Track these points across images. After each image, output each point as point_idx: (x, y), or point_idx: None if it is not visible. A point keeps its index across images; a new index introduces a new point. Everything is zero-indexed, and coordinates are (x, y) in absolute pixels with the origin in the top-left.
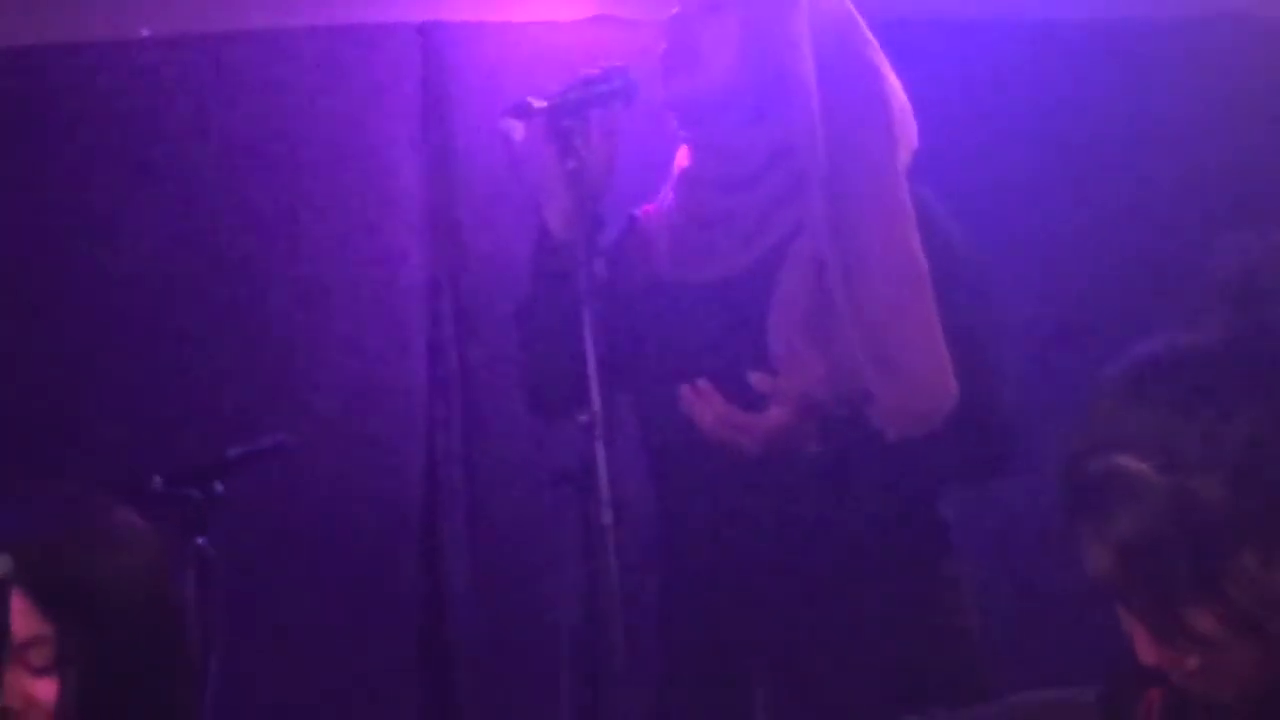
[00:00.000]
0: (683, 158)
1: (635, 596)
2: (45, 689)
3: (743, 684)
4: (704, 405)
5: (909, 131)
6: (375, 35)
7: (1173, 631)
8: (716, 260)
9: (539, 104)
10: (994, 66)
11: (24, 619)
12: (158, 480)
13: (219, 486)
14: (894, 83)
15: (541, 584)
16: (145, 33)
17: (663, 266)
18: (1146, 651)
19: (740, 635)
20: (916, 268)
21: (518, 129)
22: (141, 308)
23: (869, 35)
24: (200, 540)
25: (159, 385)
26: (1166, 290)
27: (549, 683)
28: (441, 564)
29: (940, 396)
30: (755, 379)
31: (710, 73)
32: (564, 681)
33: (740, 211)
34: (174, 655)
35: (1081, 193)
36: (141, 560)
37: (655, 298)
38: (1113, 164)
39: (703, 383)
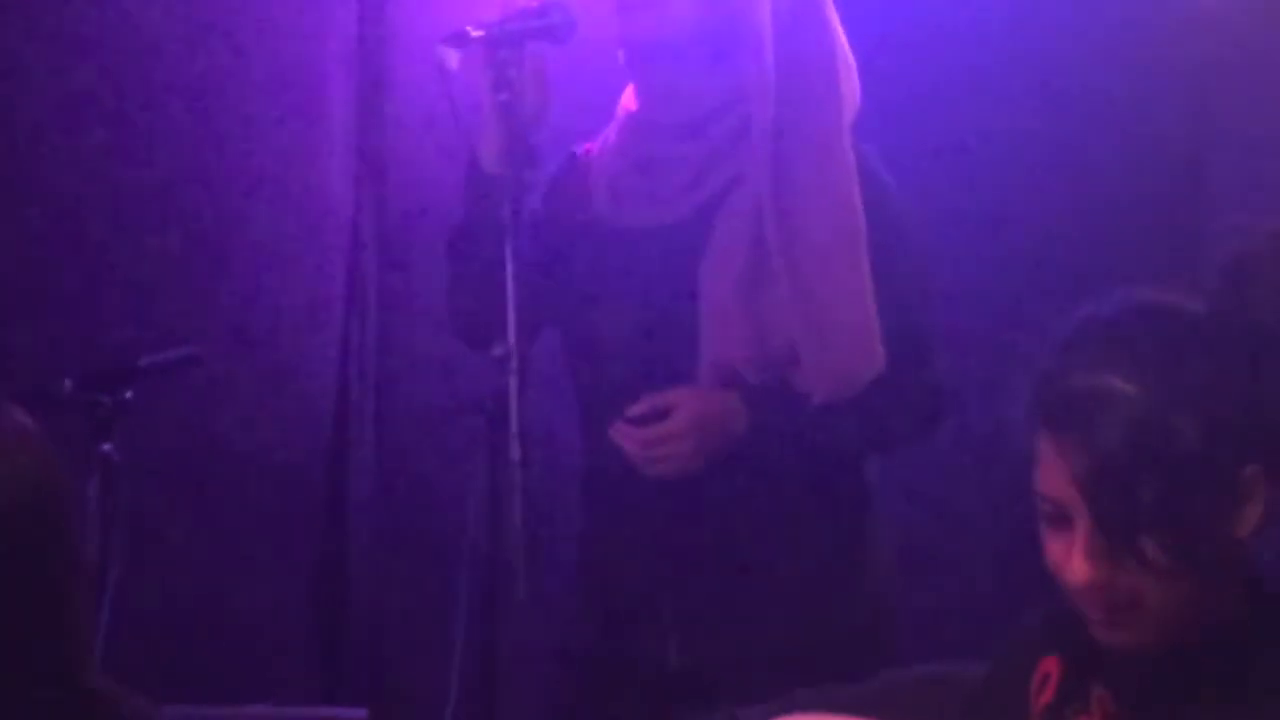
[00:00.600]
0: (629, 99)
1: (540, 531)
2: None
3: (655, 631)
4: (630, 442)
5: (854, 89)
6: None
7: (1121, 550)
8: (656, 205)
9: (476, 33)
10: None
11: None
12: (67, 383)
13: (129, 394)
14: (842, 39)
15: (446, 513)
16: None
17: (601, 207)
18: (1079, 569)
19: (654, 584)
20: (854, 221)
21: (453, 57)
22: (66, 216)
23: None
24: (106, 446)
25: (76, 292)
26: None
27: (446, 610)
28: (346, 485)
29: (868, 356)
30: (633, 410)
31: (668, 14)
32: (461, 611)
33: (684, 157)
34: (60, 567)
35: (1023, 155)
36: (27, 464)
37: (590, 237)
38: (1059, 127)
39: (620, 425)
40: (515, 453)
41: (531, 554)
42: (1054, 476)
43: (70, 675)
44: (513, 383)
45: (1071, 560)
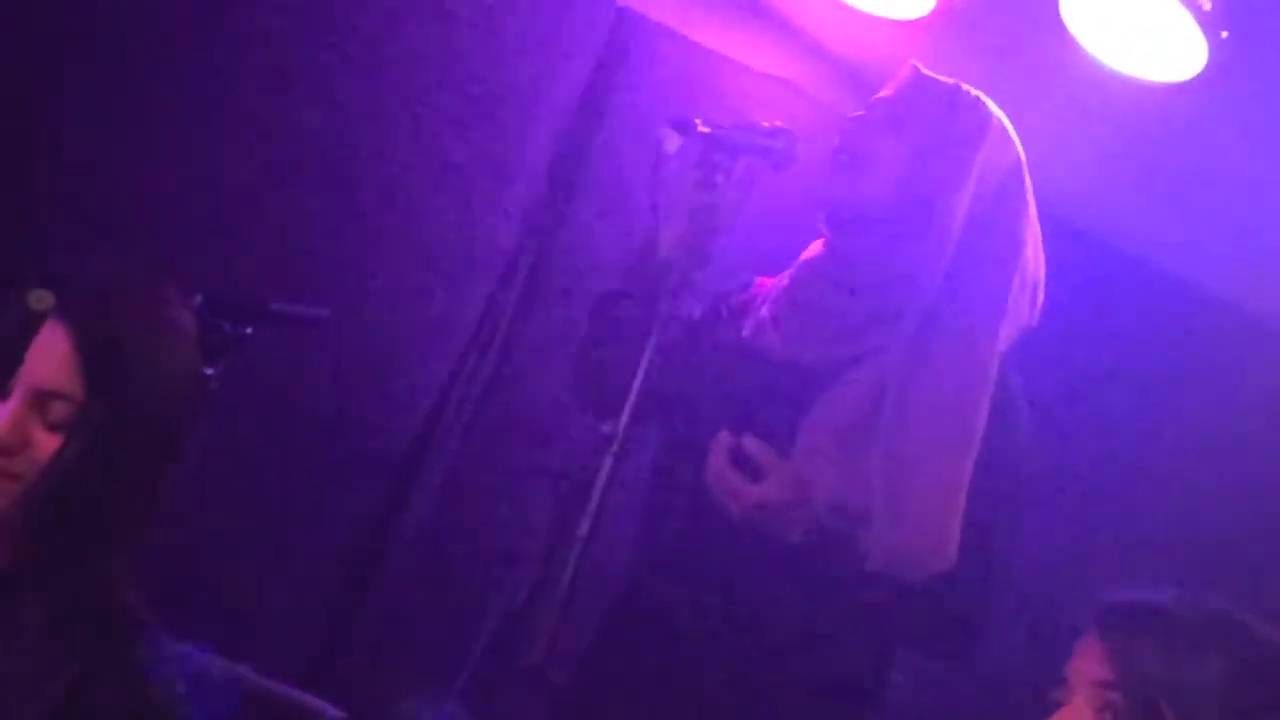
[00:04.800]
0: (814, 248)
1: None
2: (49, 443)
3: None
4: (718, 454)
5: (1024, 310)
6: None
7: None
8: (802, 346)
9: (703, 128)
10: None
11: (61, 369)
12: (199, 299)
13: (248, 330)
14: (1031, 255)
15: (493, 549)
16: None
17: (752, 332)
18: None
19: (656, 680)
20: (968, 438)
21: (673, 140)
22: (258, 153)
23: (1029, 199)
24: (209, 371)
25: (239, 225)
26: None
27: (462, 641)
28: (411, 489)
29: (931, 558)
30: (749, 442)
31: (871, 186)
32: (475, 649)
33: (845, 314)
34: (169, 463)
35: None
36: (185, 361)
37: (732, 353)
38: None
39: (724, 439)
40: (583, 528)
41: (557, 627)
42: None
43: (119, 578)
44: (608, 462)
45: None
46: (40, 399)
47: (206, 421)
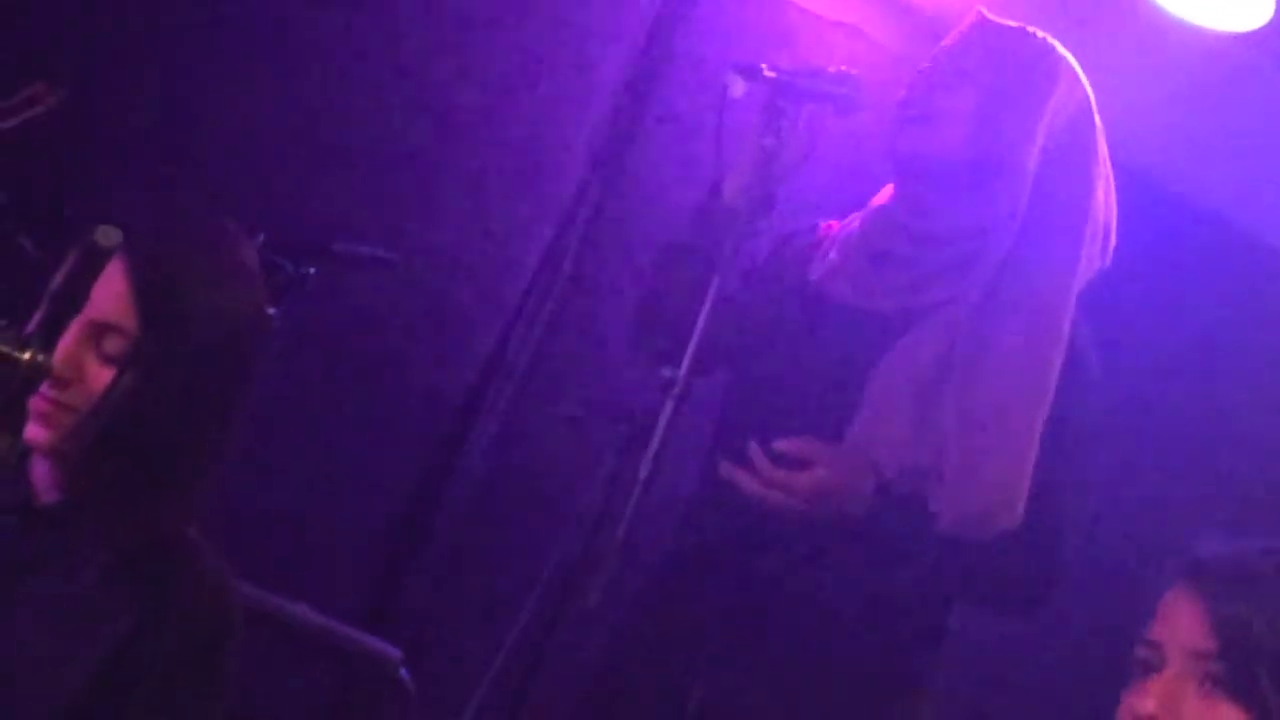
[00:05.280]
0: (884, 195)
1: (633, 551)
2: (101, 376)
3: (688, 668)
4: (746, 474)
5: (1095, 255)
6: None
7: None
8: (873, 294)
9: (769, 73)
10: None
11: (117, 302)
12: (261, 237)
13: (311, 269)
14: (1102, 198)
15: (551, 495)
16: None
17: (822, 277)
18: (1144, 702)
19: (706, 619)
20: (1042, 383)
21: (739, 85)
22: (325, 97)
23: (1100, 145)
24: (271, 310)
25: (304, 166)
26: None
27: (512, 585)
28: (471, 430)
29: (1008, 507)
30: (780, 444)
31: (941, 138)
32: (532, 596)
33: (917, 262)
34: (226, 402)
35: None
36: (245, 300)
37: (800, 300)
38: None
39: (757, 451)
40: (644, 471)
41: (616, 570)
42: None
43: (178, 516)
44: (668, 406)
45: (1146, 694)
46: (95, 331)
47: (268, 361)
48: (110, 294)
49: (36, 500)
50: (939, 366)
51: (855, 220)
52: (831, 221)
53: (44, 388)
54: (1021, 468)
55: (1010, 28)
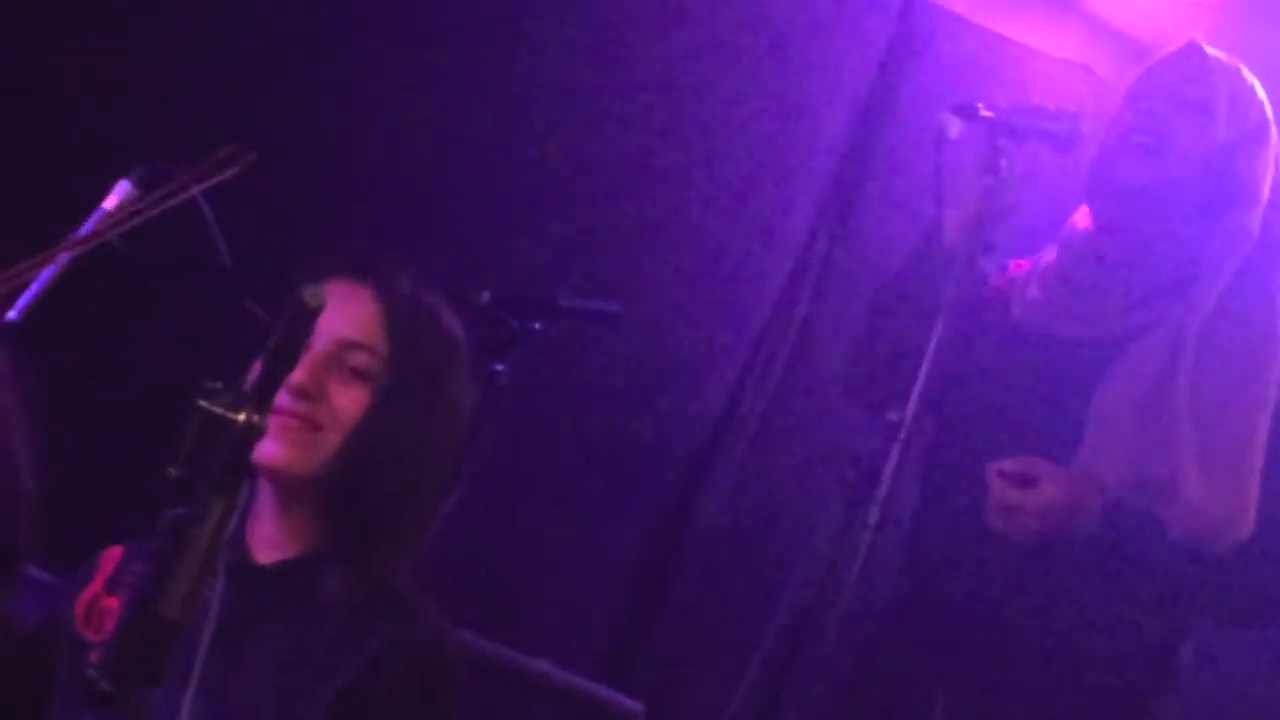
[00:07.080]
0: (1078, 224)
1: (865, 593)
2: (344, 394)
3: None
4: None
5: None
6: None
7: None
8: (1080, 321)
9: (985, 112)
10: None
11: (366, 322)
12: (485, 295)
13: (537, 325)
14: None
15: (782, 543)
16: None
17: (1022, 314)
18: None
19: (936, 660)
20: (1265, 393)
21: (955, 126)
22: (555, 159)
23: None
24: (499, 366)
25: (531, 220)
26: None
27: (747, 633)
28: (702, 486)
29: (1239, 517)
30: (1005, 465)
31: (1179, 168)
32: (766, 641)
33: (1125, 286)
34: (455, 444)
35: None
36: (454, 351)
37: (1004, 337)
38: None
39: (993, 470)
40: (873, 516)
41: (848, 613)
42: None
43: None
44: (896, 449)
45: None
46: (341, 348)
47: (498, 415)
48: (356, 314)
49: (253, 560)
50: (1159, 385)
51: (1051, 253)
52: (1019, 260)
53: (285, 401)
54: (1249, 474)
55: (1231, 60)
